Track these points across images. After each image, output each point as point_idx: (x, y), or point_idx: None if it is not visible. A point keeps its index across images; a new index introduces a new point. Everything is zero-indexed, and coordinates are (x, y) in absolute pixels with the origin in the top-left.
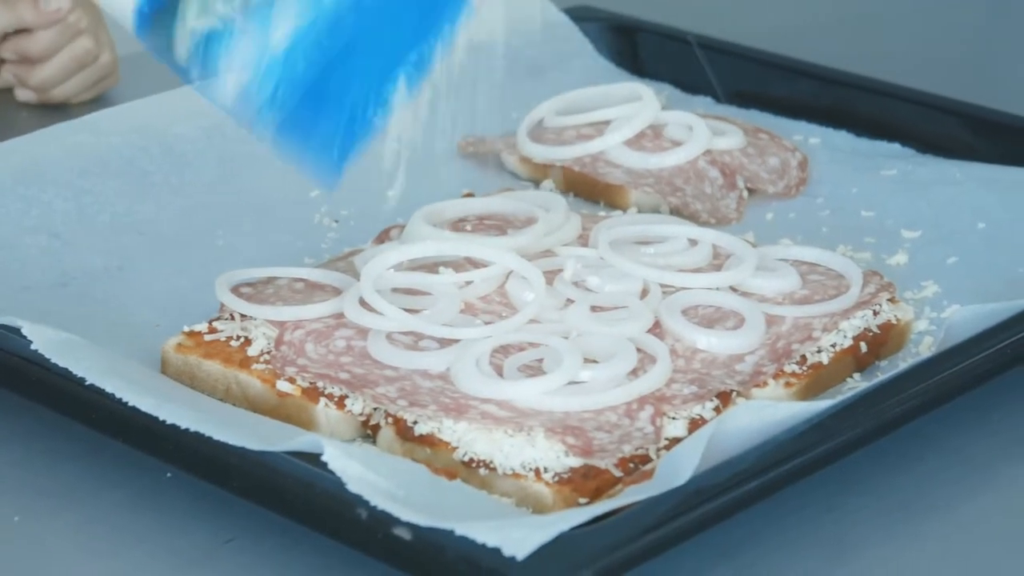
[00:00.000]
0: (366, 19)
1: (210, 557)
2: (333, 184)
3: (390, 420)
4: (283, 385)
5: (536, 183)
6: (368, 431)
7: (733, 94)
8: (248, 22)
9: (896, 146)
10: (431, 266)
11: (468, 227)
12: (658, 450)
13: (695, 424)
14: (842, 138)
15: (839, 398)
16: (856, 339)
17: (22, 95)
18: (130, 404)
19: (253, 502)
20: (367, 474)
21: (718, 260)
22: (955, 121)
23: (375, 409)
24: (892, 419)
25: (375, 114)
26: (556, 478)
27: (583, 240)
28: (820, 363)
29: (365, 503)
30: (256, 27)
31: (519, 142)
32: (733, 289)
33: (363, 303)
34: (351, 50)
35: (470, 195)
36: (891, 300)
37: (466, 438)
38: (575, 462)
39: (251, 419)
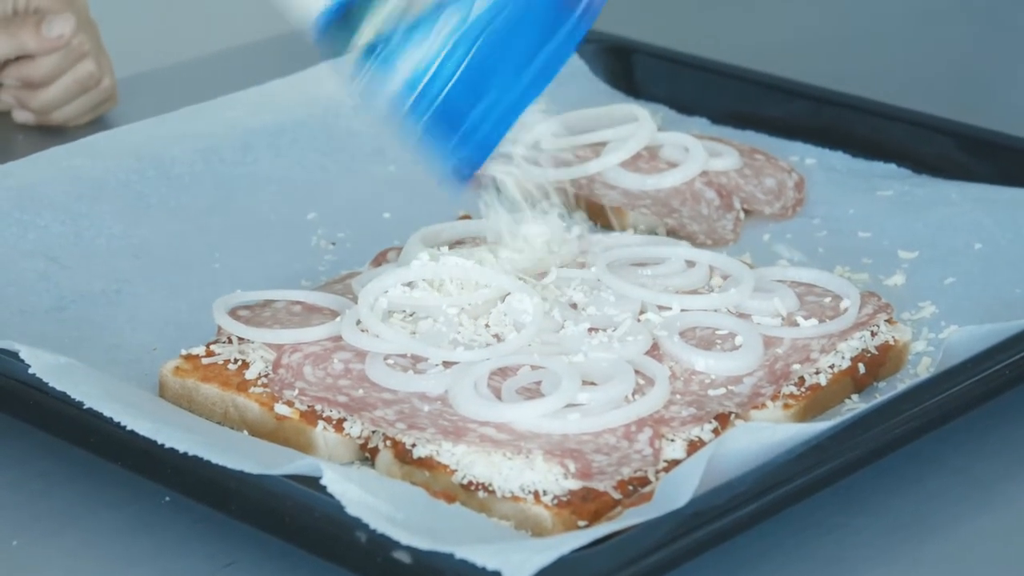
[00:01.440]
0: (499, 34)
1: None
2: (461, 186)
3: (388, 443)
4: (281, 408)
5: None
6: (366, 454)
7: (729, 115)
8: (406, 35)
9: (892, 166)
10: (428, 288)
11: (465, 249)
12: (657, 472)
13: (694, 446)
14: (838, 158)
15: (838, 419)
16: (854, 360)
17: (20, 116)
18: (128, 428)
19: (252, 526)
20: (366, 497)
21: (715, 281)
22: (951, 141)
23: (373, 432)
24: (891, 440)
25: (502, 125)
26: (555, 501)
27: (580, 262)
28: (818, 384)
29: (364, 526)
30: (412, 40)
31: (515, 164)
32: (730, 311)
33: (361, 326)
34: (487, 63)
35: (467, 217)
36: (889, 321)
37: (465, 461)
38: (574, 485)
39: (249, 442)
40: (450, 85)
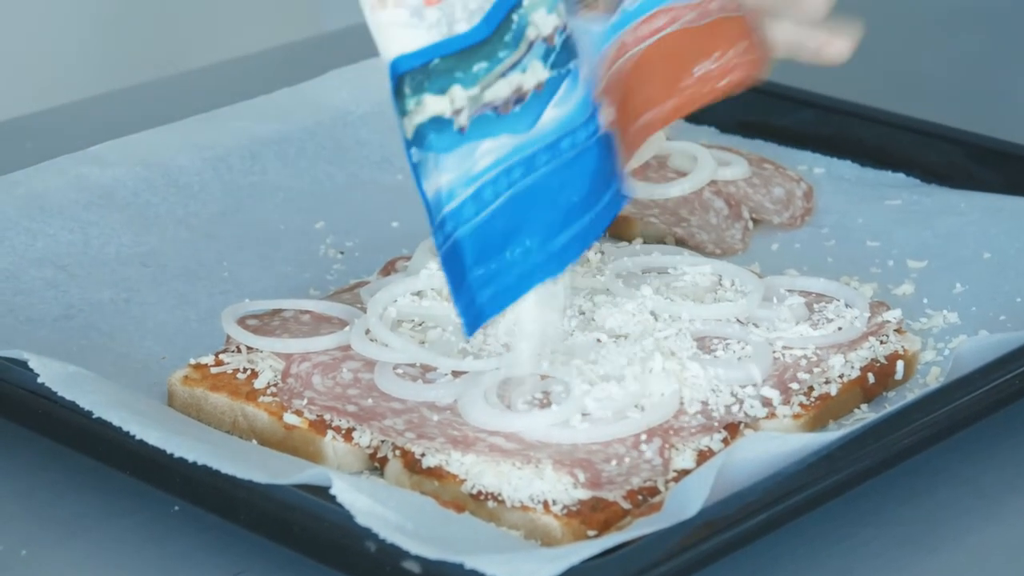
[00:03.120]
0: (552, 178)
1: None
2: (473, 326)
3: (398, 453)
4: (290, 418)
5: None
6: (376, 464)
7: (737, 124)
8: (467, 128)
9: (901, 175)
10: (437, 297)
11: None
12: (666, 482)
13: (703, 456)
14: (847, 168)
15: (847, 429)
16: (864, 370)
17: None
18: (137, 437)
19: (261, 535)
20: (375, 507)
21: (723, 291)
22: (960, 150)
23: (383, 442)
24: (901, 450)
25: (516, 290)
26: (565, 510)
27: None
28: (828, 394)
29: (374, 536)
30: (470, 135)
31: None
32: (739, 320)
33: (370, 335)
34: (530, 203)
35: None
36: (898, 331)
37: (474, 470)
38: (583, 494)
39: (258, 452)
40: (470, 224)
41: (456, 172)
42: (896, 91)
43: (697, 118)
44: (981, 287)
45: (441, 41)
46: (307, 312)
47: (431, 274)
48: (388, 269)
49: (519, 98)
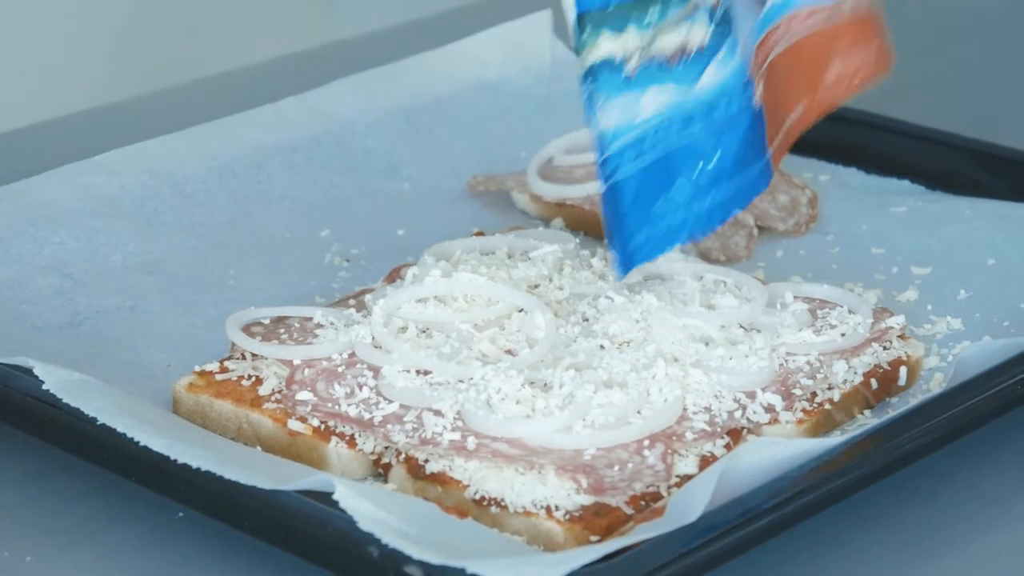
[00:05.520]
0: (705, 139)
1: None
2: (626, 268)
3: (401, 458)
4: (294, 424)
5: (546, 221)
6: (379, 469)
7: None
8: (636, 72)
9: (906, 183)
10: (441, 304)
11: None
12: (669, 487)
13: (706, 461)
14: (852, 175)
15: (850, 435)
16: (867, 376)
17: None
18: (142, 443)
19: (265, 541)
20: (378, 512)
21: (728, 297)
22: (964, 157)
23: (386, 447)
24: (904, 455)
25: (685, 230)
26: (567, 516)
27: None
28: (831, 400)
29: (376, 541)
30: (637, 82)
31: (529, 180)
32: (743, 326)
33: (374, 342)
34: (683, 159)
35: (480, 234)
36: (902, 337)
37: (477, 476)
38: (586, 500)
39: (263, 458)
40: (629, 169)
41: (621, 116)
42: (901, 98)
43: None
44: (985, 293)
45: None
46: (312, 319)
47: (435, 281)
48: (393, 276)
49: (685, 53)
